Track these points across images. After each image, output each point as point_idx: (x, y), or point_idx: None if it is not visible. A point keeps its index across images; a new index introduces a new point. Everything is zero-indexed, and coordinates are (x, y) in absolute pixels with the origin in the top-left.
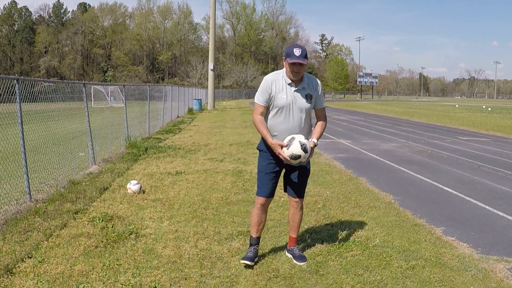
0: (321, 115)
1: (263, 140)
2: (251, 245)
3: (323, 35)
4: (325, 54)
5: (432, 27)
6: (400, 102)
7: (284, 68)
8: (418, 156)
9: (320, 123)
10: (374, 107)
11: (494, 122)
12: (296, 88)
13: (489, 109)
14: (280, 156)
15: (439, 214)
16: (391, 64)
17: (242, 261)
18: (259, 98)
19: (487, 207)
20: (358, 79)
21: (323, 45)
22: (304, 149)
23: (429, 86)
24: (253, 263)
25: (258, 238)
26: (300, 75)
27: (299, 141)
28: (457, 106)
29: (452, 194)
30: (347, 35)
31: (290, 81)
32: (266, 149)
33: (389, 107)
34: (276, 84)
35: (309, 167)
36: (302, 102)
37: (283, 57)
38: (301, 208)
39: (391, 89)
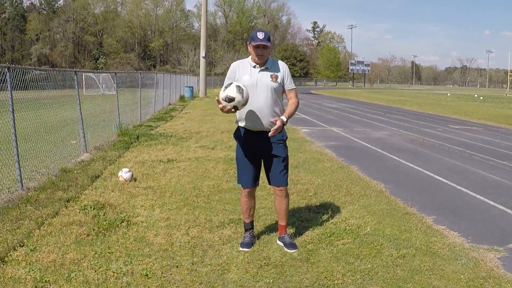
0: (292, 96)
1: (238, 128)
2: (246, 230)
3: (315, 23)
4: (317, 41)
5: (424, 15)
6: (392, 90)
7: (251, 56)
8: (410, 145)
9: (291, 102)
10: (366, 95)
11: (485, 111)
12: (260, 69)
13: (481, 98)
14: (218, 105)
15: (430, 202)
16: (383, 52)
17: (240, 249)
18: (225, 83)
19: (478, 196)
20: (350, 67)
21: (315, 32)
22: (240, 91)
23: (421, 75)
24: (250, 249)
25: (251, 222)
26: (265, 58)
27: (236, 85)
28: (449, 94)
29: (443, 183)
30: (339, 22)
31: (254, 64)
32: (241, 137)
33: (381, 95)
34: (241, 68)
35: (287, 155)
36: (267, 81)
37: (248, 42)
38: (286, 196)
39: (383, 77)
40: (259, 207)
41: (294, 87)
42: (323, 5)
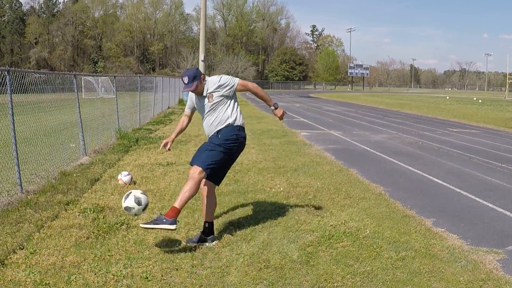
0: (248, 87)
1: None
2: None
3: (314, 26)
4: (316, 45)
5: (423, 19)
6: (391, 93)
7: None
8: (409, 148)
9: (254, 91)
10: (365, 99)
11: (484, 114)
12: (200, 97)
13: (480, 101)
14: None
15: (429, 205)
16: (382, 55)
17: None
18: (187, 105)
19: (477, 198)
20: (349, 71)
21: (314, 36)
22: (138, 202)
23: (420, 78)
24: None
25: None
26: (199, 91)
27: (134, 195)
28: (448, 98)
29: (442, 186)
30: (338, 26)
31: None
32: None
33: (380, 98)
34: (193, 97)
35: (218, 148)
36: (208, 105)
37: None
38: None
39: (382, 81)
40: (259, 210)
41: (237, 81)
42: (322, 9)
